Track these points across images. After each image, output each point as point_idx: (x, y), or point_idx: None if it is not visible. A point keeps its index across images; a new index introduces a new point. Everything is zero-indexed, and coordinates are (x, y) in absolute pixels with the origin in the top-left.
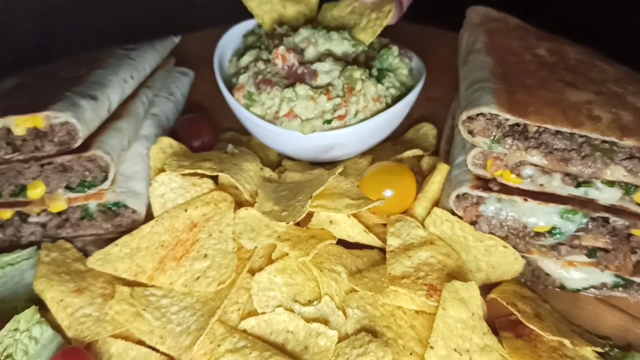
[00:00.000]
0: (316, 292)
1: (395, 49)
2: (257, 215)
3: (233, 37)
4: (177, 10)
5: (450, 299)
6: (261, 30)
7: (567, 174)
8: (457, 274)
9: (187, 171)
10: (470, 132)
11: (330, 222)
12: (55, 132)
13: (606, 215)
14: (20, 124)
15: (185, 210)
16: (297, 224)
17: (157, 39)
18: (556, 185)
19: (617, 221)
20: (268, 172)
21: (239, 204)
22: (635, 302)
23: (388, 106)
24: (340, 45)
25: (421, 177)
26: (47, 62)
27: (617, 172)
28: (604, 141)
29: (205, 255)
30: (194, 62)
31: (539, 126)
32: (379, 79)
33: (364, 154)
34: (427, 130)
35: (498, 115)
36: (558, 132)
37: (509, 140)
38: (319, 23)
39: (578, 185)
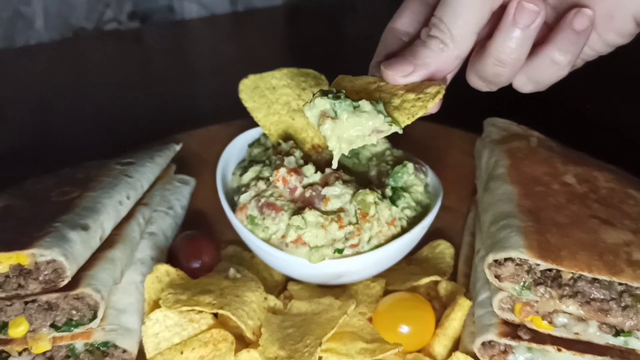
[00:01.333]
0: None
1: (410, 166)
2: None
3: (237, 146)
4: (178, 107)
5: None
6: (267, 141)
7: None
8: None
9: (185, 308)
10: (497, 277)
11: None
12: (40, 270)
13: None
14: (3, 261)
15: (181, 353)
16: None
17: (157, 145)
18: (592, 333)
19: None
20: (272, 301)
21: (241, 338)
22: None
23: (403, 229)
24: (373, 119)
25: (438, 303)
26: (42, 174)
27: None
28: None
29: None
30: (195, 163)
31: (574, 273)
32: (393, 200)
33: (377, 277)
34: (444, 249)
35: (528, 260)
36: (595, 279)
37: (541, 289)
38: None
39: (617, 334)
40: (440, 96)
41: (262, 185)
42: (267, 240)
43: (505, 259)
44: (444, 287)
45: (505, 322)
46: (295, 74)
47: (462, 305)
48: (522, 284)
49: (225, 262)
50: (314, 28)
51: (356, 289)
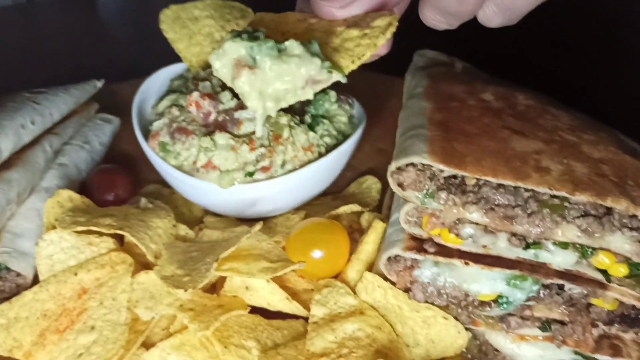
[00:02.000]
0: None
1: (333, 94)
2: (159, 280)
3: (159, 80)
4: (134, 74)
5: None
6: (189, 73)
7: (514, 234)
8: (388, 350)
9: (80, 228)
10: (400, 185)
11: (247, 287)
12: None
13: (561, 281)
14: None
15: (75, 274)
16: (209, 290)
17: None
18: (502, 246)
19: (574, 289)
20: (184, 230)
21: (146, 266)
22: None
23: (321, 156)
24: (306, 65)
25: (360, 235)
26: None
27: (569, 232)
28: (553, 196)
29: (93, 328)
30: (127, 109)
31: (478, 179)
32: (311, 126)
33: (297, 210)
34: (371, 184)
35: (431, 166)
36: (500, 185)
37: (444, 195)
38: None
39: (527, 246)
40: (392, 29)
41: (175, 111)
42: (179, 168)
43: (408, 165)
44: (366, 218)
45: (413, 238)
46: (219, 5)
47: (376, 228)
48: (425, 191)
49: (141, 197)
50: None
51: (276, 222)
